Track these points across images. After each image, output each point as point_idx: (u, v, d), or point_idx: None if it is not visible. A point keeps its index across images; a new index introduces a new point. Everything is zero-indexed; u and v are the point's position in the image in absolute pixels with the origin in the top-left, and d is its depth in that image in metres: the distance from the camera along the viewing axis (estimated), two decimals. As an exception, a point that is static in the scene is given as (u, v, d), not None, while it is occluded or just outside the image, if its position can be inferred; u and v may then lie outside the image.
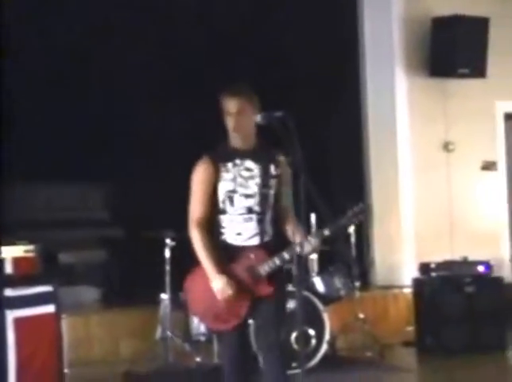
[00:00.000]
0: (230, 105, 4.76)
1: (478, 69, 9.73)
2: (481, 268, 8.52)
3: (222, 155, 4.81)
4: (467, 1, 9.76)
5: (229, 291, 4.63)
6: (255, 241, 4.80)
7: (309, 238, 4.70)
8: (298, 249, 4.63)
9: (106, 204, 9.44)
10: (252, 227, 4.79)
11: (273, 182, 4.82)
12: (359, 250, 8.58)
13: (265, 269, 4.71)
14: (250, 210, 4.78)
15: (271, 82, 8.84)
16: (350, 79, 9.97)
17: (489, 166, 10.21)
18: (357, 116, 9.96)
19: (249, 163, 4.80)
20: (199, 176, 4.78)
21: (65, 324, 6.19)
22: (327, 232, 4.68)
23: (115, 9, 8.91)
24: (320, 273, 7.77)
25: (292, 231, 4.77)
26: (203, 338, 7.13)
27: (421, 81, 9.86)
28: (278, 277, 4.75)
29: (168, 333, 7.15)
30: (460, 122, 9.99)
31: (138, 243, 8.27)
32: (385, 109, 9.82)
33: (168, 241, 7.26)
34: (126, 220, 9.13)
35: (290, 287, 6.92)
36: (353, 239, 8.05)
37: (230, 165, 4.77)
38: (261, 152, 4.83)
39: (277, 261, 4.71)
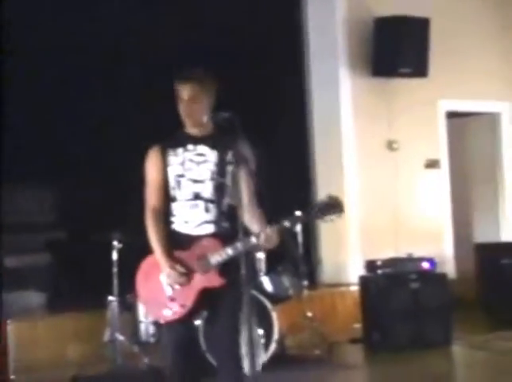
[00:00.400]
0: (183, 91, 4.63)
1: (420, 69, 9.85)
2: (425, 265, 8.57)
3: (174, 141, 4.70)
4: (409, 2, 9.85)
5: (179, 278, 4.52)
6: (206, 230, 4.63)
7: (267, 229, 4.50)
8: (254, 240, 4.50)
9: (51, 207, 9.32)
10: (199, 214, 4.62)
11: (229, 169, 4.64)
12: (307, 249, 8.57)
13: (216, 259, 4.54)
14: (197, 196, 4.62)
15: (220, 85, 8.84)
16: (295, 78, 9.99)
17: (432, 164, 10.34)
18: (302, 115, 10.01)
19: (203, 148, 4.64)
20: (149, 163, 4.68)
21: (11, 329, 6.14)
22: (286, 224, 4.50)
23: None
24: (268, 272, 7.75)
25: (249, 220, 4.61)
26: (152, 340, 7.12)
27: (365, 81, 9.93)
28: (232, 270, 4.49)
29: (117, 335, 7.12)
30: (404, 120, 10.11)
31: (85, 245, 8.21)
32: (330, 108, 9.87)
33: (115, 243, 7.21)
34: (73, 222, 9.05)
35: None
36: (300, 238, 8.07)
37: (180, 149, 4.64)
38: (219, 138, 4.67)
39: (230, 251, 4.51)
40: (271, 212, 4.63)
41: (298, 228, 7.99)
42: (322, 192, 9.68)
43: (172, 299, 4.58)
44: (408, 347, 7.83)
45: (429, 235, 9.98)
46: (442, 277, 8.51)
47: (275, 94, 9.72)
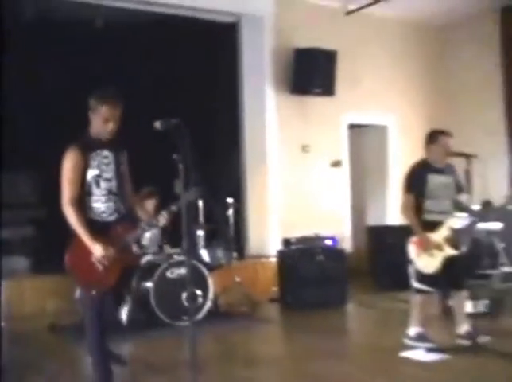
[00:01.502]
0: (105, 111, 4.61)
1: (328, 89, 9.88)
2: (329, 242, 8.72)
3: (87, 145, 4.67)
4: (321, 38, 9.85)
5: (108, 251, 4.54)
6: (115, 217, 4.72)
7: (162, 212, 4.71)
8: (154, 221, 4.73)
9: (34, 190, 9.17)
10: (112, 205, 4.71)
11: (123, 168, 4.80)
12: (237, 228, 8.60)
13: (132, 238, 4.76)
14: (109, 191, 4.69)
15: (171, 98, 8.78)
16: (231, 97, 9.90)
17: (336, 164, 10.38)
18: (236, 127, 9.92)
19: (105, 152, 4.70)
20: (71, 162, 4.59)
21: (2, 287, 6.07)
22: (174, 208, 4.68)
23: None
24: (206, 246, 7.80)
25: (138, 207, 4.93)
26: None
27: (286, 97, 9.88)
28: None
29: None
30: (315, 129, 10.13)
31: (61, 220, 8.09)
32: (258, 118, 9.80)
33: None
34: (51, 201, 8.87)
35: (181, 257, 7.02)
36: (232, 220, 8.10)
37: (94, 154, 4.65)
38: (114, 142, 4.74)
39: (139, 231, 4.78)
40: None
41: (230, 211, 8.04)
42: (250, 184, 9.80)
43: (100, 277, 4.59)
44: (313, 306, 7.85)
45: (333, 219, 10.03)
46: (341, 252, 8.55)
47: (216, 110, 9.68)
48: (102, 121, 4.62)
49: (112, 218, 4.71)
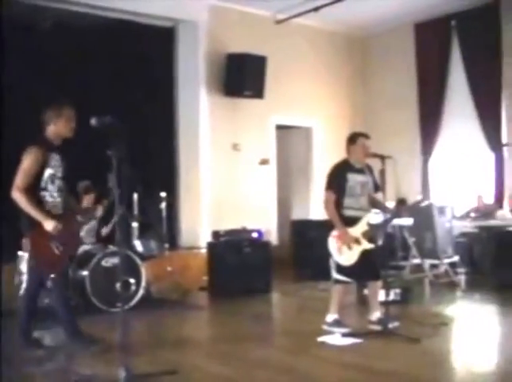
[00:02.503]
0: (68, 111, 5.11)
1: (258, 92, 9.94)
2: (255, 234, 8.75)
3: (46, 146, 5.06)
4: (252, 44, 9.93)
5: (59, 226, 4.89)
6: (63, 211, 5.13)
7: (99, 206, 5.37)
8: (96, 213, 5.38)
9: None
10: (62, 200, 5.14)
11: (64, 169, 5.19)
12: (170, 221, 8.56)
13: (79, 228, 5.38)
14: (60, 189, 5.12)
15: (110, 98, 8.69)
16: (167, 98, 9.85)
17: (264, 162, 10.46)
18: (171, 126, 9.88)
19: (56, 155, 5.10)
20: (33, 158, 4.96)
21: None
22: (106, 203, 5.29)
23: None
24: (140, 237, 7.78)
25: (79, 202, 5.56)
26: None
27: (218, 99, 9.90)
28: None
29: (24, 280, 6.92)
30: (245, 129, 10.19)
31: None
32: (192, 120, 9.78)
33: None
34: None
35: (114, 247, 6.97)
36: (164, 213, 8.06)
37: (52, 154, 5.06)
38: (59, 146, 5.17)
39: (84, 222, 5.47)
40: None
41: (163, 205, 8.02)
42: (183, 180, 9.80)
43: (56, 261, 5.03)
44: (240, 294, 7.89)
45: (260, 213, 10.10)
46: (266, 244, 8.63)
47: (152, 107, 9.56)
48: (65, 121, 5.06)
49: (61, 212, 5.10)
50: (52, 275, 5.04)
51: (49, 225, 4.87)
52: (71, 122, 5.12)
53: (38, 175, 4.98)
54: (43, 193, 5.02)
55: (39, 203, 4.97)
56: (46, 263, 5.02)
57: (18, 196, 4.89)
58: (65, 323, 5.22)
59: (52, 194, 5.05)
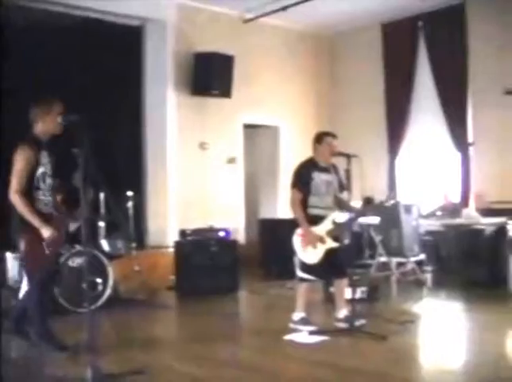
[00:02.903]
0: (58, 106, 5.04)
1: (225, 91, 9.95)
2: (222, 234, 8.73)
3: (36, 145, 5.04)
4: (220, 43, 9.94)
5: (55, 233, 4.91)
6: (53, 209, 5.14)
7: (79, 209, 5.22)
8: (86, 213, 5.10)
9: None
10: (52, 199, 5.14)
11: (53, 166, 5.17)
12: (137, 220, 8.54)
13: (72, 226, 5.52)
14: (51, 187, 5.11)
15: (79, 97, 8.59)
16: (134, 97, 9.80)
17: (232, 160, 10.48)
18: (138, 125, 9.84)
19: (44, 152, 5.07)
20: (24, 158, 4.96)
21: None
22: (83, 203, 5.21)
23: None
24: (106, 236, 7.75)
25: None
26: (17, 285, 6.89)
27: (186, 98, 9.89)
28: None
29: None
30: (213, 128, 10.18)
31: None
32: (159, 118, 9.76)
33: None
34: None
35: (80, 247, 6.93)
36: (131, 212, 8.05)
37: (42, 153, 5.04)
38: (49, 146, 5.16)
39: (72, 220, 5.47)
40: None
41: (130, 204, 8.00)
42: (150, 178, 9.77)
43: (46, 257, 4.99)
44: (207, 293, 7.92)
45: (228, 212, 10.11)
46: (233, 243, 8.62)
47: (120, 108, 9.49)
48: (54, 118, 4.97)
49: (52, 210, 5.12)
50: (37, 274, 5.06)
51: (46, 232, 4.89)
52: (59, 118, 5.02)
53: (31, 175, 4.98)
54: (36, 192, 5.02)
55: (34, 201, 4.99)
56: (36, 263, 5.03)
57: (17, 200, 4.90)
58: (36, 324, 5.16)
59: (44, 193, 5.06)
